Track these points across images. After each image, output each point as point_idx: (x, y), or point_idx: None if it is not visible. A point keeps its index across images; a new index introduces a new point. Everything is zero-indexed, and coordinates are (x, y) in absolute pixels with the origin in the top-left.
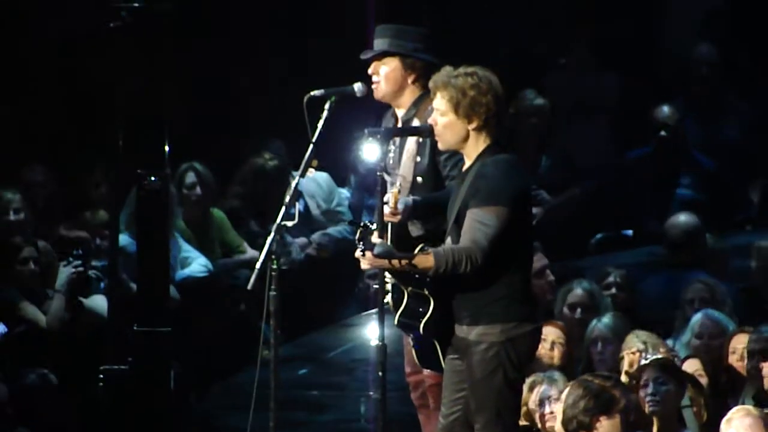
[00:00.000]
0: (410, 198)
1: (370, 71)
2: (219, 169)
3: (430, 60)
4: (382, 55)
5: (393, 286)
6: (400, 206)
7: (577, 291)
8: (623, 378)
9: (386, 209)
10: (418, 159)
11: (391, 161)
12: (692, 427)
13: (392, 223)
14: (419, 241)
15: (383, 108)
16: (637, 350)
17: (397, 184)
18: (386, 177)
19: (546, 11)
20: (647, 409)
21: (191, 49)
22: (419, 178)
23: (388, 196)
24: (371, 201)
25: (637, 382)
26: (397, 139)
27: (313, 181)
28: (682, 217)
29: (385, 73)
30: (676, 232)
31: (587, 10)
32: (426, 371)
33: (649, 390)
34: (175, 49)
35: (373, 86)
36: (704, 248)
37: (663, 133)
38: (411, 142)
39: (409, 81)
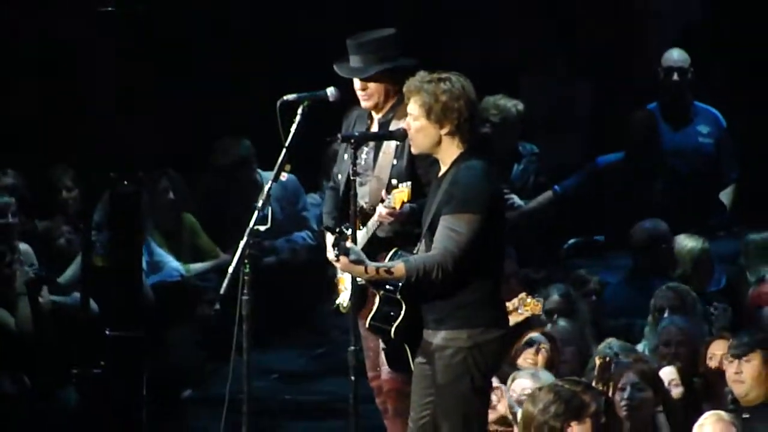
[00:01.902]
0: (407, 204)
1: (358, 87)
2: (192, 174)
3: (414, 65)
4: (372, 78)
5: (352, 288)
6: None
7: (554, 297)
8: (598, 382)
9: (383, 209)
10: (395, 161)
11: (363, 162)
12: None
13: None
14: (386, 243)
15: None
16: (608, 357)
17: (403, 186)
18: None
19: (521, 18)
20: (621, 413)
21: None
22: (394, 180)
23: (390, 197)
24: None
25: (614, 384)
26: (371, 142)
27: (278, 183)
28: (648, 223)
29: (375, 88)
30: (642, 237)
31: (564, 19)
32: (384, 376)
33: (626, 395)
34: (149, 54)
35: (364, 100)
36: (670, 254)
37: (636, 137)
38: (389, 144)
39: (396, 88)
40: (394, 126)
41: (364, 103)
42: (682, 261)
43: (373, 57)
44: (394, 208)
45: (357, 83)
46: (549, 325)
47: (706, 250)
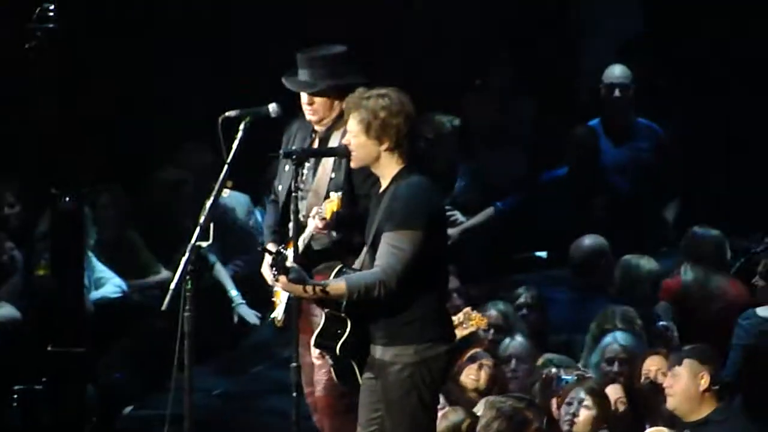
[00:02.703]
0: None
1: (305, 101)
2: (133, 189)
3: (363, 82)
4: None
5: (287, 303)
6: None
7: (492, 312)
8: (540, 398)
9: (317, 222)
10: (333, 175)
11: (303, 177)
12: None
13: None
14: (323, 255)
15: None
16: (551, 373)
17: (333, 195)
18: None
19: (463, 33)
20: (564, 427)
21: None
22: (332, 194)
23: (321, 208)
24: None
25: (560, 399)
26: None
27: (233, 199)
28: (587, 240)
29: (321, 103)
30: (581, 254)
31: (504, 33)
32: (317, 393)
33: (571, 410)
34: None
35: (309, 113)
36: (609, 270)
37: (577, 154)
38: (327, 159)
39: (342, 104)
40: (334, 139)
41: (309, 117)
42: (639, 283)
43: (322, 72)
44: (325, 218)
45: (304, 97)
46: (507, 340)
47: (659, 272)
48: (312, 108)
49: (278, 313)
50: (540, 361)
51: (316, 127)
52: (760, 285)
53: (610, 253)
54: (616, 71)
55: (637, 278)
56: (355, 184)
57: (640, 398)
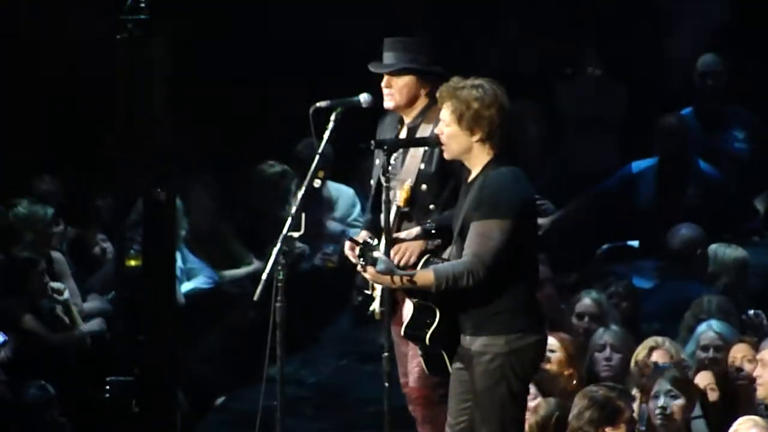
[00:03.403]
0: (426, 224)
1: (383, 84)
2: (226, 180)
3: (443, 73)
4: (397, 73)
5: (382, 295)
6: (411, 235)
7: (586, 300)
8: (637, 389)
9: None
10: (422, 166)
11: (391, 168)
12: None
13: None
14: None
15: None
16: (649, 358)
17: (408, 181)
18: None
19: (553, 22)
20: (656, 421)
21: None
22: (423, 186)
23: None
24: None
25: (648, 391)
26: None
27: (338, 191)
28: (684, 229)
29: (399, 87)
30: (677, 243)
31: (594, 21)
32: (411, 384)
33: (660, 402)
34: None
35: (387, 98)
36: (705, 260)
37: (667, 143)
38: (417, 148)
39: (423, 93)
40: (422, 130)
41: (386, 103)
42: (726, 270)
43: (403, 55)
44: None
45: (384, 81)
46: (601, 329)
47: (746, 260)
48: (389, 92)
49: (376, 306)
50: (643, 344)
51: (405, 119)
52: None
53: (706, 242)
54: (709, 59)
55: (723, 266)
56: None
57: (729, 386)
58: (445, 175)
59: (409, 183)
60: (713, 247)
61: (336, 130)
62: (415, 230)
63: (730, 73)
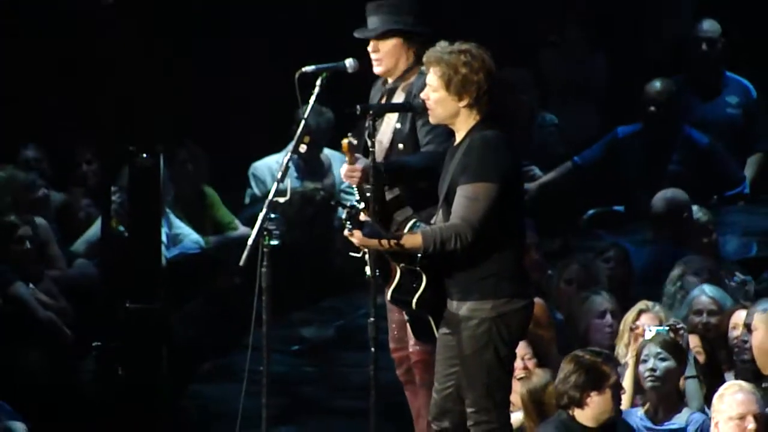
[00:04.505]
0: (368, 160)
1: (370, 49)
2: (211, 146)
3: (429, 33)
4: (382, 34)
5: (371, 260)
6: (359, 165)
7: (574, 266)
8: (630, 352)
9: (343, 168)
10: (398, 125)
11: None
12: (696, 397)
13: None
14: (394, 203)
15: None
16: (631, 321)
17: (349, 135)
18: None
19: None
20: (646, 384)
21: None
22: (400, 145)
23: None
24: None
25: (638, 356)
26: None
27: (331, 157)
28: (668, 193)
29: (386, 51)
30: (661, 207)
31: None
32: (411, 347)
33: (649, 365)
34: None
35: (375, 63)
36: (689, 224)
37: (652, 108)
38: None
39: (409, 54)
40: (399, 94)
41: (375, 68)
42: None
43: (387, 18)
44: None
45: (370, 47)
46: (598, 297)
47: (711, 222)
48: (377, 57)
49: (368, 270)
50: (633, 309)
51: (388, 81)
52: None
53: (690, 206)
54: (705, 25)
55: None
56: (420, 135)
57: (727, 352)
58: (416, 134)
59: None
60: None
61: (322, 94)
62: (364, 161)
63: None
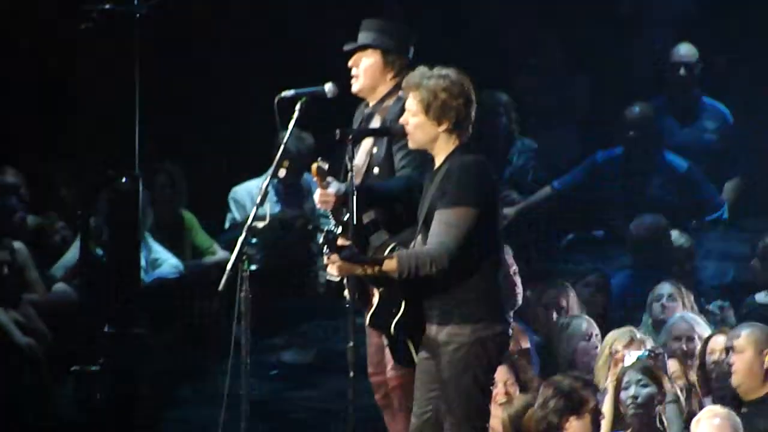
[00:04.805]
0: (342, 185)
1: (350, 63)
2: (190, 170)
3: (409, 58)
4: (363, 48)
5: (350, 284)
6: (332, 190)
7: (553, 290)
8: (610, 377)
9: (317, 194)
10: (374, 150)
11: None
12: (676, 422)
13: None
14: (370, 228)
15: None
16: (621, 348)
17: (318, 160)
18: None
19: (516, 11)
20: (628, 411)
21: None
22: (375, 169)
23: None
24: None
25: (619, 383)
26: None
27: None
28: (647, 218)
29: (364, 68)
30: (640, 232)
31: (557, 11)
32: (388, 372)
33: (631, 392)
34: (151, 50)
35: (353, 80)
36: (669, 249)
37: (632, 133)
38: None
39: (388, 77)
40: (377, 119)
41: (353, 87)
42: (672, 256)
43: (371, 35)
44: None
45: (351, 61)
46: (580, 321)
47: (692, 247)
48: (355, 73)
49: (347, 295)
50: (610, 335)
51: (370, 103)
52: (757, 266)
53: (668, 231)
54: (682, 50)
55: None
56: (395, 159)
57: (705, 377)
58: (393, 158)
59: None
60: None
61: (301, 119)
62: (336, 185)
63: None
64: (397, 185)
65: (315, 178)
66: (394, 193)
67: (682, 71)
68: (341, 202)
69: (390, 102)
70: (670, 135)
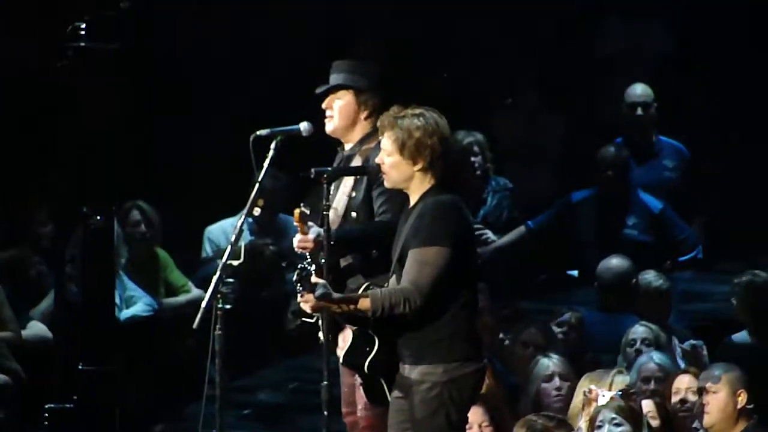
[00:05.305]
0: (322, 229)
1: (323, 105)
2: (163, 207)
3: (382, 98)
4: (336, 89)
5: (323, 322)
6: (311, 235)
7: (532, 330)
8: (584, 417)
9: (296, 238)
10: (353, 194)
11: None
12: None
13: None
14: (347, 271)
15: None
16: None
17: (301, 205)
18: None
19: (491, 52)
20: None
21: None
22: (353, 213)
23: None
24: None
25: (592, 423)
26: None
27: (286, 222)
28: (614, 261)
29: (338, 107)
30: (608, 275)
31: (534, 53)
32: (359, 412)
33: (604, 431)
34: (124, 85)
35: (326, 120)
36: (635, 291)
37: (610, 173)
38: (348, 177)
39: (362, 117)
40: (356, 161)
41: (327, 128)
42: (648, 298)
43: (346, 76)
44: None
45: (324, 102)
46: (546, 359)
47: (667, 289)
48: (329, 114)
49: (321, 335)
50: (584, 378)
51: (345, 146)
52: (735, 305)
53: (636, 273)
54: (638, 90)
55: (646, 295)
56: (375, 204)
57: (671, 418)
58: (371, 202)
59: (297, 210)
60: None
61: (276, 158)
62: (316, 230)
63: (668, 104)
64: (373, 231)
65: (297, 224)
66: (368, 239)
67: (639, 111)
68: (320, 246)
69: (372, 145)
70: (630, 174)
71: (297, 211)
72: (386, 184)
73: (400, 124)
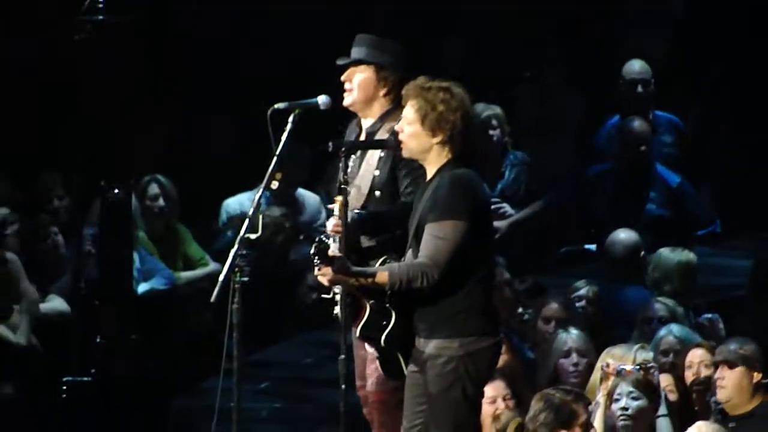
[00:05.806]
0: (355, 212)
1: (343, 78)
2: (181, 181)
3: (403, 75)
4: (357, 63)
5: (341, 297)
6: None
7: (553, 305)
8: (602, 390)
9: (331, 221)
10: (377, 172)
11: (350, 171)
12: None
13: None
14: (370, 252)
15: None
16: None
17: (339, 198)
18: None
19: (513, 27)
20: (618, 423)
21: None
22: (377, 192)
23: (334, 206)
24: None
25: (610, 396)
26: (359, 151)
27: (303, 197)
28: (622, 234)
29: (358, 82)
30: (618, 249)
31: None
32: (368, 387)
33: (621, 404)
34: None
35: (346, 94)
36: (642, 265)
37: (643, 148)
38: (372, 154)
39: (381, 93)
40: (380, 136)
41: (345, 101)
42: (670, 275)
43: (368, 51)
44: (338, 216)
45: (344, 75)
46: (564, 334)
47: (691, 263)
48: (348, 87)
49: (338, 309)
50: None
51: (363, 122)
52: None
53: (644, 246)
54: (636, 67)
55: (667, 271)
56: (400, 185)
57: (689, 392)
58: (396, 181)
59: (340, 199)
60: (658, 251)
61: (294, 131)
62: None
63: (693, 74)
64: (401, 212)
65: (338, 212)
66: (396, 220)
67: (639, 88)
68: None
69: (394, 122)
70: None
71: (340, 200)
72: (403, 154)
73: (425, 96)
